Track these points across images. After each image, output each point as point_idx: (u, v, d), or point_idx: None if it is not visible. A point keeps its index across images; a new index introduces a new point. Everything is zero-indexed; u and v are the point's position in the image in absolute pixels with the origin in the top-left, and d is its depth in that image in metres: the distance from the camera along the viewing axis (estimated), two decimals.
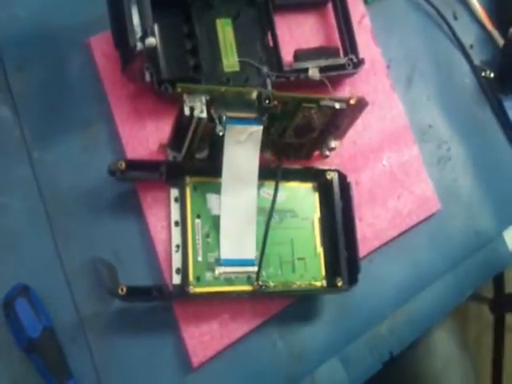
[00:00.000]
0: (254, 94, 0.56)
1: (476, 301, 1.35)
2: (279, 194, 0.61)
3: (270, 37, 0.66)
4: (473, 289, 0.76)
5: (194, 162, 0.60)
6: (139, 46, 0.54)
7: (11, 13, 0.61)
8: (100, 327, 0.57)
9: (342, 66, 0.69)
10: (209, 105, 0.55)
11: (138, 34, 0.54)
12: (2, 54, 0.60)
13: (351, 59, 0.69)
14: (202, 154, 0.60)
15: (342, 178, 0.65)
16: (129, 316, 0.58)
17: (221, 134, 0.56)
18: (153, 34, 0.54)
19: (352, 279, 0.62)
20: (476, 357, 1.38)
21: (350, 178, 0.65)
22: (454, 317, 0.89)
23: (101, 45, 0.62)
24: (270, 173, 0.61)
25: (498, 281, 1.26)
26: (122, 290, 0.54)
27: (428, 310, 0.72)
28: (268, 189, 0.62)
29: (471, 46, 0.83)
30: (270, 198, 0.61)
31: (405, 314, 0.70)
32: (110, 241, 0.59)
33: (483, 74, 0.83)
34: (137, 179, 0.60)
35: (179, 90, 0.53)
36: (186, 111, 0.53)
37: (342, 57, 0.70)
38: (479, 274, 0.77)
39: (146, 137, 0.62)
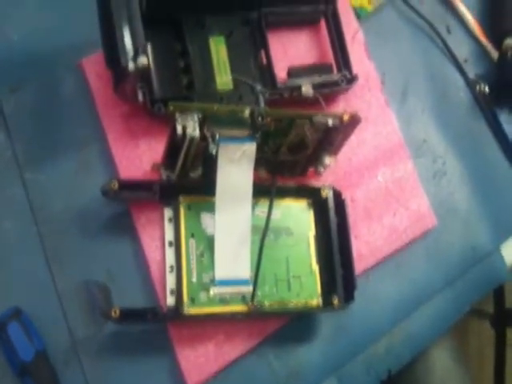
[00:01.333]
0: (247, 112, 0.56)
1: (477, 316, 1.34)
2: (274, 212, 0.61)
3: (263, 54, 0.66)
4: (470, 304, 0.76)
5: (188, 181, 0.60)
6: (131, 65, 0.54)
7: (4, 36, 0.62)
8: (94, 350, 0.57)
9: (335, 83, 0.69)
10: (201, 123, 0.54)
11: (130, 53, 0.54)
12: None
13: (345, 75, 0.69)
14: (195, 173, 0.60)
15: (337, 194, 0.65)
16: (123, 338, 0.58)
17: (214, 152, 0.56)
18: (144, 53, 0.54)
19: (348, 297, 0.62)
20: (477, 372, 1.37)
21: (345, 195, 0.65)
22: (455, 332, 0.89)
23: (93, 66, 0.62)
24: (264, 191, 0.61)
25: (499, 296, 1.25)
26: (115, 312, 0.53)
27: (426, 327, 0.71)
28: (262, 207, 0.62)
29: (465, 60, 0.82)
30: (265, 216, 0.60)
31: (402, 331, 0.70)
32: (103, 261, 0.59)
33: (478, 88, 0.82)
34: (130, 199, 0.60)
35: (171, 108, 0.53)
36: (179, 130, 0.53)
37: (336, 73, 0.69)
38: (477, 289, 0.76)
39: (140, 156, 0.61)
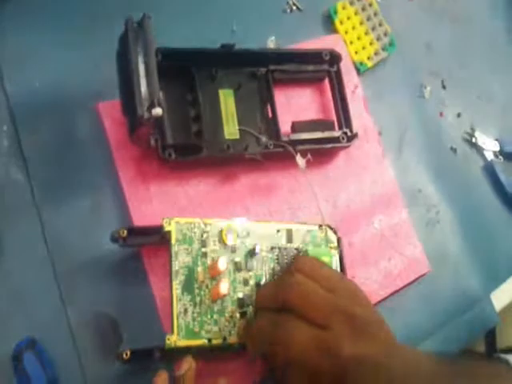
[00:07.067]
0: None
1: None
2: None
3: (269, 108, 0.70)
4: (461, 348, 0.78)
5: None
6: (146, 115, 0.56)
7: (28, 82, 0.64)
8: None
9: (336, 139, 0.72)
10: None
11: (146, 103, 0.57)
12: (16, 118, 0.63)
13: (345, 133, 0.73)
14: None
15: (333, 232, 0.68)
16: (131, 374, 0.59)
17: None
18: (159, 105, 0.56)
19: None
20: None
21: (344, 240, 0.68)
22: None
23: (109, 110, 0.65)
24: None
25: (490, 337, 1.27)
26: (126, 354, 0.55)
27: None
28: None
29: (458, 115, 0.87)
30: None
31: None
32: (113, 300, 0.61)
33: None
34: (139, 244, 0.62)
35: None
36: None
37: (337, 130, 0.73)
38: (467, 333, 0.79)
39: (150, 198, 0.64)
